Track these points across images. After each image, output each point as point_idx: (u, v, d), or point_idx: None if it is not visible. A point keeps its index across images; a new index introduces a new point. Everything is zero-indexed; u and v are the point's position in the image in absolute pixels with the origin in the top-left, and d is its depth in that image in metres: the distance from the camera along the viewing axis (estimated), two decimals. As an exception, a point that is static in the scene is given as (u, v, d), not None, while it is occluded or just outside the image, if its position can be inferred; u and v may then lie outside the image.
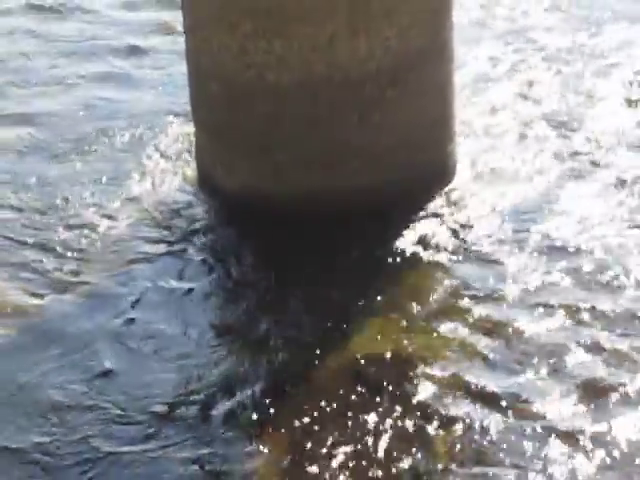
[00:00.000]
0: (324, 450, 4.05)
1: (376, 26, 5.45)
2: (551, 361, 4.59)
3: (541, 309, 4.92)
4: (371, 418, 4.22)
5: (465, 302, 5.00)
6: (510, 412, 4.28)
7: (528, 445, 4.08)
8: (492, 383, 4.44)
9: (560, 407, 4.26)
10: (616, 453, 4.12)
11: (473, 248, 5.43)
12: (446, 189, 5.84)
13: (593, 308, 4.87)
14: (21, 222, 5.84)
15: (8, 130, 6.86)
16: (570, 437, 4.13)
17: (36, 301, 5.14)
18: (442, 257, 5.38)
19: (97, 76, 7.56)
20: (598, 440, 4.22)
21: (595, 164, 6.18)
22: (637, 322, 4.81)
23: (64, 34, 8.44)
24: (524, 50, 7.73)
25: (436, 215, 5.66)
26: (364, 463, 4.04)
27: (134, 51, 7.84)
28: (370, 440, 4.14)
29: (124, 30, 8.27)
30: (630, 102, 6.97)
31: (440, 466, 4.01)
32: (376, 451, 4.09)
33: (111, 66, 7.72)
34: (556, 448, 4.05)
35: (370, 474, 3.98)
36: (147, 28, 8.28)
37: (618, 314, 4.84)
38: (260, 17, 5.38)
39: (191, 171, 6.13)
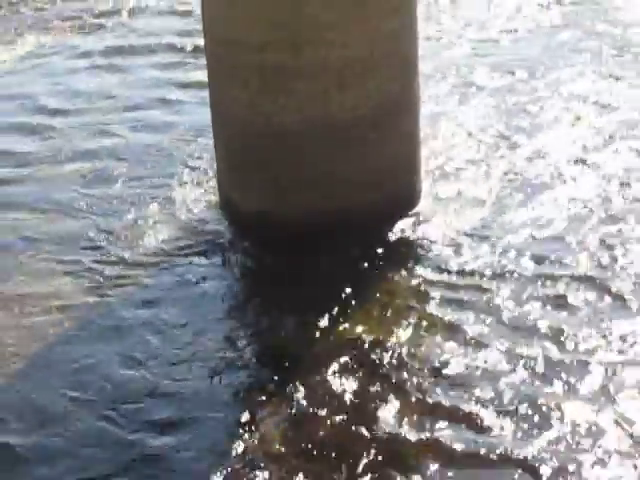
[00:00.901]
0: (319, 414, 4.26)
1: (360, 82, 5.61)
2: (507, 343, 4.71)
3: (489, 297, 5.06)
4: (357, 387, 4.43)
5: (428, 299, 5.12)
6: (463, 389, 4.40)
7: (493, 420, 4.17)
8: (451, 361, 4.58)
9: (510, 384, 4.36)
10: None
11: (431, 255, 5.51)
12: (413, 211, 5.93)
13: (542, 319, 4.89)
14: (79, 234, 5.92)
15: (69, 164, 6.85)
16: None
17: (87, 298, 5.32)
18: (409, 263, 5.45)
19: (136, 119, 7.58)
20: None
21: (544, 184, 6.19)
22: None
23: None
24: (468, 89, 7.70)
25: (404, 230, 5.74)
26: (352, 424, 4.21)
27: (169, 102, 7.85)
28: (352, 403, 4.33)
29: (164, 84, 8.28)
30: (571, 126, 6.91)
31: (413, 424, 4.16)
32: (357, 414, 4.27)
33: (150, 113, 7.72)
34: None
35: (359, 432, 4.12)
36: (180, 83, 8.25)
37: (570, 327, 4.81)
38: (266, 74, 5.58)
39: (214, 197, 6.25)
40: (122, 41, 9.42)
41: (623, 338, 4.72)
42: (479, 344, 4.74)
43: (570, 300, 5.02)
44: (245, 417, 4.36)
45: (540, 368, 4.54)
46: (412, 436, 4.13)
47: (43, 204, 6.39)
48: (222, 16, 5.85)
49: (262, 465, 4.05)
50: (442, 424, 4.18)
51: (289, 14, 5.48)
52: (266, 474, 3.98)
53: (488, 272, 5.33)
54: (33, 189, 6.59)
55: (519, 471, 3.86)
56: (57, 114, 7.75)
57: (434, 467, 3.91)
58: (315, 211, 5.68)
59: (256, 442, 4.18)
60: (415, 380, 4.51)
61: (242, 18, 5.65)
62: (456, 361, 4.62)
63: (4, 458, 4.17)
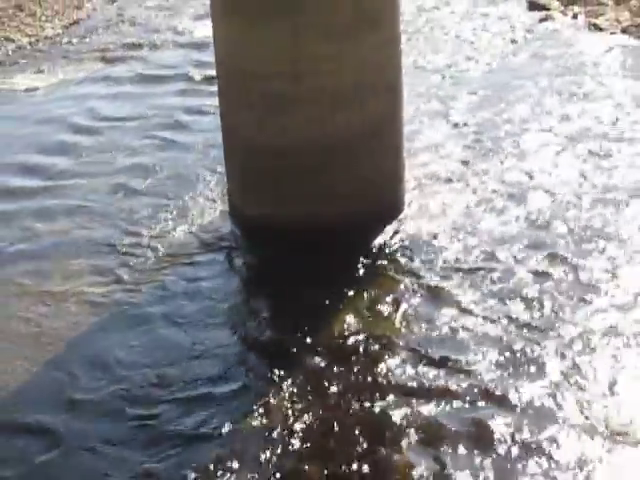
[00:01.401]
0: (319, 391, 4.31)
1: (352, 106, 5.59)
2: (479, 330, 4.72)
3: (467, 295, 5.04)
4: (351, 370, 4.46)
5: (411, 294, 5.11)
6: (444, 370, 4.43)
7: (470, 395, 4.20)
8: (434, 351, 4.57)
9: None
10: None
11: (414, 255, 5.48)
12: (398, 218, 5.92)
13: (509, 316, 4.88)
14: (108, 238, 5.91)
15: (99, 177, 6.84)
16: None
17: (116, 294, 5.33)
18: (395, 262, 5.46)
19: (156, 138, 7.55)
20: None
21: (510, 196, 6.13)
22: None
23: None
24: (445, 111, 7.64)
25: (390, 235, 5.73)
26: (345, 400, 4.27)
27: (184, 124, 7.84)
28: (346, 383, 4.36)
29: (180, 108, 8.23)
30: (528, 154, 6.76)
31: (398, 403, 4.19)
32: (349, 392, 4.30)
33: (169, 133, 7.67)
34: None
35: (353, 407, 4.19)
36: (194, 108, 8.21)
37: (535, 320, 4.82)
38: (271, 100, 5.57)
39: (224, 205, 6.22)
40: (144, 71, 9.38)
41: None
42: (454, 332, 4.74)
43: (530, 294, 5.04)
44: (255, 395, 4.40)
45: (510, 356, 4.53)
46: (398, 409, 4.15)
47: (77, 213, 6.38)
48: (233, 49, 5.84)
49: (270, 435, 4.07)
50: (422, 400, 4.20)
51: (291, 49, 5.47)
52: (272, 443, 4.00)
53: (462, 269, 5.32)
54: (68, 200, 6.56)
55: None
56: (88, 134, 7.72)
57: (416, 436, 3.95)
58: (312, 217, 5.67)
59: (265, 417, 4.20)
60: (399, 362, 4.52)
61: (250, 51, 5.64)
62: (434, 346, 4.63)
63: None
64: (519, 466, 3.73)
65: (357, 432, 4.04)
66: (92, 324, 5.12)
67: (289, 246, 5.59)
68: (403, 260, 5.53)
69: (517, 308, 4.92)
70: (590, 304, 4.89)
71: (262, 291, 5.49)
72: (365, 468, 3.78)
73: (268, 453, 3.96)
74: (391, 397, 4.26)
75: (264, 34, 5.52)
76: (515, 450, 3.81)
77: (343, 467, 3.84)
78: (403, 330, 4.84)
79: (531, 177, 6.53)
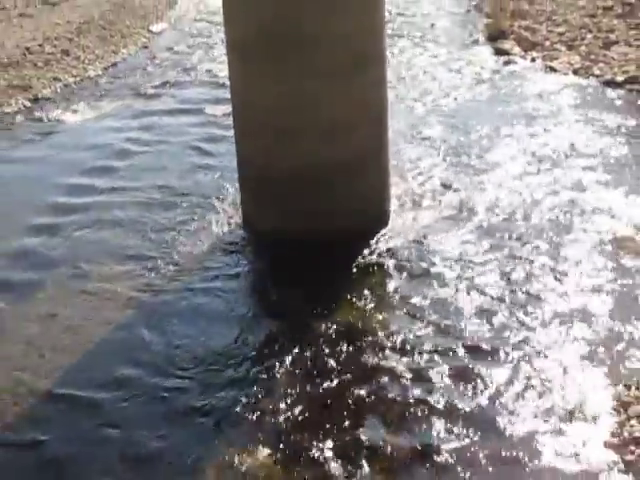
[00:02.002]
0: (318, 374, 4.38)
1: (345, 136, 5.60)
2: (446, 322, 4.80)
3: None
4: (347, 356, 4.53)
5: (397, 293, 5.18)
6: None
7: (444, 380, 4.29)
8: (411, 337, 4.68)
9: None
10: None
11: (398, 260, 5.50)
12: (384, 229, 5.92)
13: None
14: (139, 246, 5.94)
15: (132, 194, 6.84)
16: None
17: (144, 294, 5.36)
18: (383, 266, 5.47)
19: (181, 162, 7.52)
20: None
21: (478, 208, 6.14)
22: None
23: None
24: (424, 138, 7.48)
25: (378, 242, 5.73)
26: (340, 382, 4.32)
27: (204, 150, 7.81)
28: (341, 367, 4.43)
29: (201, 137, 8.17)
30: (506, 161, 6.79)
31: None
32: (344, 375, 4.36)
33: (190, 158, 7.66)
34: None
35: (346, 388, 4.27)
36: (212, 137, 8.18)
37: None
38: (276, 131, 5.60)
39: (239, 218, 6.20)
40: (171, 105, 9.38)
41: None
42: (438, 326, 4.76)
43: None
44: (264, 377, 4.44)
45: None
46: (387, 388, 4.24)
47: (111, 224, 6.37)
48: (244, 88, 5.87)
49: (277, 410, 4.12)
50: (404, 382, 4.26)
51: (292, 88, 5.48)
52: (280, 418, 4.06)
53: (440, 272, 5.32)
54: (104, 214, 6.55)
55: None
56: (122, 159, 7.70)
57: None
58: (313, 229, 5.66)
59: (272, 396, 4.23)
60: (386, 352, 4.54)
61: (258, 89, 5.67)
62: (414, 336, 4.68)
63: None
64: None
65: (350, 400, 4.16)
66: (124, 317, 5.15)
67: (292, 252, 5.60)
68: (389, 265, 5.51)
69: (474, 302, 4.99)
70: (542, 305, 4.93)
71: (269, 290, 5.47)
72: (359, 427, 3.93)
73: (274, 418, 4.06)
74: (377, 375, 4.33)
75: (269, 76, 5.54)
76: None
77: (340, 431, 3.93)
78: (387, 322, 4.89)
79: (497, 187, 6.58)
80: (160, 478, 3.76)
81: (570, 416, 3.91)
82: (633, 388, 4.03)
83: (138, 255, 5.84)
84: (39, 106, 9.51)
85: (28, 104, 9.55)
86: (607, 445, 3.69)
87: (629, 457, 3.58)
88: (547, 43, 10.62)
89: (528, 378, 4.24)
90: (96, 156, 7.82)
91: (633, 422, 3.78)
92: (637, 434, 3.69)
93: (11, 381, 4.48)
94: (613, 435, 3.75)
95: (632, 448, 3.63)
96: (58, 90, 10.10)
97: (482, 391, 4.18)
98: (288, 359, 4.57)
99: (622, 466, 3.55)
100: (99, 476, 3.78)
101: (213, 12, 13.66)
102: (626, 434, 3.72)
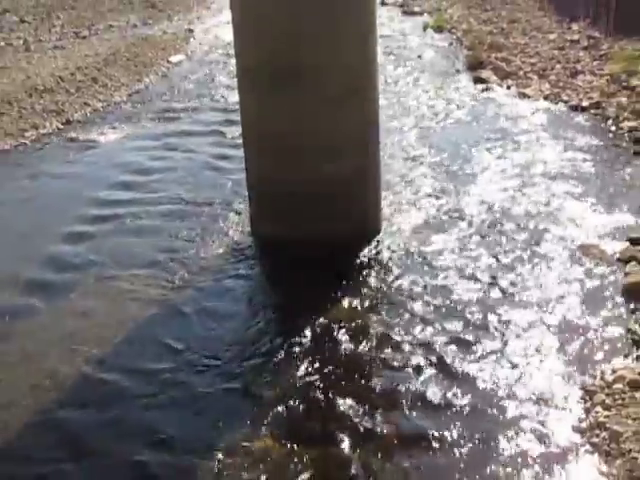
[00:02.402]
0: (314, 362, 4.37)
1: (342, 157, 5.58)
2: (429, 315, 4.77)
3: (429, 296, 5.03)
4: (340, 347, 4.52)
5: (386, 293, 5.16)
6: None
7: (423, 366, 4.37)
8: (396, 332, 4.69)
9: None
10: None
11: (388, 263, 5.50)
12: (377, 237, 5.90)
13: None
14: (159, 252, 5.91)
15: (155, 206, 6.85)
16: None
17: (162, 293, 5.35)
18: (375, 269, 5.47)
19: (197, 178, 7.49)
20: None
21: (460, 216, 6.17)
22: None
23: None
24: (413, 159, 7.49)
25: (372, 248, 5.73)
26: (333, 368, 4.34)
27: (218, 168, 7.80)
28: (334, 356, 4.44)
29: (214, 156, 8.18)
30: (487, 178, 6.68)
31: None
32: (336, 362, 4.37)
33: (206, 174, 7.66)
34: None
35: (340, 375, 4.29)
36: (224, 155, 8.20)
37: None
38: (281, 151, 5.60)
39: (248, 227, 6.18)
40: (188, 128, 9.39)
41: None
42: (423, 322, 4.73)
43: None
44: (269, 359, 4.48)
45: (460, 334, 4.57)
46: (375, 372, 4.26)
47: (134, 232, 6.39)
48: (252, 112, 5.84)
49: (280, 396, 4.10)
50: (391, 368, 4.29)
51: (294, 113, 5.48)
52: (285, 403, 4.04)
53: (426, 277, 5.30)
54: (128, 223, 6.57)
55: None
56: (144, 174, 7.72)
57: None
58: (313, 236, 5.61)
59: (277, 378, 4.26)
60: (374, 344, 4.54)
61: (265, 112, 5.65)
62: (401, 332, 4.66)
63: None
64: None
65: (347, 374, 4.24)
66: (147, 314, 5.14)
67: (295, 256, 5.57)
68: (380, 267, 5.53)
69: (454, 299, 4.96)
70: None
71: (274, 289, 5.53)
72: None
73: (278, 403, 4.03)
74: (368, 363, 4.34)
75: (274, 102, 5.54)
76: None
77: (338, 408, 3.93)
78: (378, 319, 4.86)
79: (477, 198, 6.60)
80: (179, 454, 3.76)
81: (542, 403, 3.91)
82: (598, 378, 4.03)
83: (158, 259, 5.83)
84: (71, 128, 9.55)
85: (61, 126, 9.60)
86: (575, 429, 3.69)
87: (595, 440, 3.58)
88: (521, 72, 10.66)
89: (502, 367, 4.24)
90: (121, 172, 7.84)
91: (598, 409, 3.77)
92: (601, 419, 3.68)
93: (49, 369, 4.48)
94: (580, 420, 3.75)
95: (597, 432, 3.62)
96: (88, 114, 10.14)
97: (460, 377, 4.19)
98: (291, 349, 4.56)
99: (589, 447, 3.56)
100: (126, 447, 3.80)
101: (224, 45, 13.77)
102: (592, 419, 3.72)
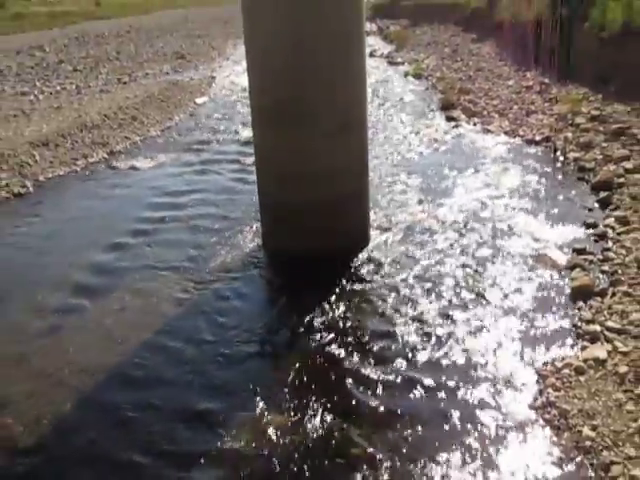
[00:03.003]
0: (312, 355, 4.31)
1: (338, 181, 5.54)
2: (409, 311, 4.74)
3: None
4: (332, 345, 4.43)
5: (377, 296, 5.08)
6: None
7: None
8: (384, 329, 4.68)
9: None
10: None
11: (377, 269, 5.44)
12: (366, 247, 5.85)
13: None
14: (183, 260, 5.86)
15: (183, 223, 6.82)
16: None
17: (184, 295, 5.30)
18: (365, 274, 5.39)
19: (218, 200, 7.43)
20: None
21: (434, 230, 6.13)
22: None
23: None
24: (396, 182, 7.60)
25: (363, 256, 5.68)
26: (331, 351, 4.32)
27: (233, 200, 7.74)
28: (331, 350, 4.36)
29: (232, 179, 8.21)
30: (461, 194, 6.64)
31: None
32: (332, 354, 4.29)
33: (225, 197, 7.63)
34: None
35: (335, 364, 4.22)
36: (240, 179, 8.20)
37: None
38: (287, 176, 5.57)
39: (259, 240, 6.11)
40: (210, 157, 9.44)
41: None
42: (402, 313, 4.71)
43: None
44: (275, 352, 4.46)
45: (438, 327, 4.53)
46: (368, 364, 4.17)
47: (160, 244, 6.34)
48: (263, 145, 5.84)
49: (288, 381, 4.07)
50: (381, 359, 4.21)
51: (298, 146, 5.47)
52: (286, 389, 4.00)
53: (407, 278, 5.28)
54: (161, 235, 6.55)
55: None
56: (173, 197, 7.71)
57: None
58: (313, 248, 5.58)
59: (280, 371, 4.19)
60: (366, 339, 4.49)
61: (274, 144, 5.66)
62: (385, 320, 4.67)
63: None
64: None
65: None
66: (174, 311, 5.10)
67: (299, 265, 5.54)
68: (369, 273, 5.47)
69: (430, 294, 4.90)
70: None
71: (280, 290, 5.45)
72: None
73: (286, 387, 4.00)
74: (360, 354, 4.26)
75: (280, 136, 5.55)
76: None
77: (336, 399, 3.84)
78: (370, 319, 4.81)
79: (448, 214, 6.59)
80: (208, 429, 3.72)
81: (503, 385, 3.88)
82: (549, 365, 4.02)
83: (184, 266, 5.80)
84: (114, 157, 9.59)
85: (106, 156, 9.64)
86: (530, 407, 3.68)
87: (547, 416, 3.58)
88: (485, 112, 10.73)
89: (469, 355, 4.21)
90: (154, 194, 7.86)
91: (549, 390, 3.76)
92: (552, 399, 3.68)
93: (94, 355, 4.47)
94: (535, 400, 3.74)
95: (549, 409, 3.62)
96: (128, 146, 10.19)
97: (433, 363, 4.15)
98: (295, 337, 4.55)
99: (542, 422, 3.55)
100: (160, 423, 3.77)
101: (241, 90, 13.87)
102: (544, 399, 3.71)
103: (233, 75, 16.92)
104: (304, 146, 5.45)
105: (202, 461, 3.45)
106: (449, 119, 10.62)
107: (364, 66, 5.81)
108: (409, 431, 3.58)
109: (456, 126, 10.17)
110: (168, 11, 51.46)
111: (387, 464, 3.35)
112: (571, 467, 3.22)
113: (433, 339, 4.42)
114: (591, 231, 5.90)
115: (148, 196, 7.80)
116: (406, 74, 15.67)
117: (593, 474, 3.15)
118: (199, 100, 13.81)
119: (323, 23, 5.15)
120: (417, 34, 23.42)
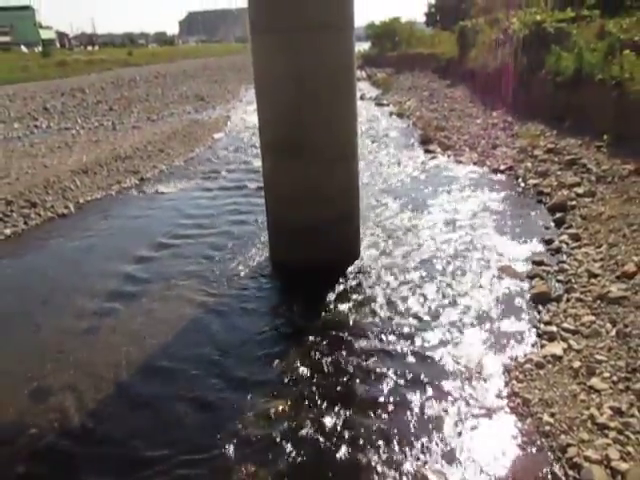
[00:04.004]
0: (316, 351, 4.28)
1: (334, 204, 5.55)
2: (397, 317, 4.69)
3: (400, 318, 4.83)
4: (332, 336, 4.44)
5: (369, 302, 5.01)
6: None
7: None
8: (375, 330, 4.61)
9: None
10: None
11: (366, 278, 5.41)
12: (357, 261, 5.82)
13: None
14: (200, 272, 5.82)
15: (201, 239, 6.79)
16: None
17: (203, 300, 5.23)
18: (357, 283, 5.35)
19: (230, 220, 7.45)
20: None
21: (414, 246, 6.06)
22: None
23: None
24: (382, 206, 7.51)
25: (355, 269, 5.63)
26: (330, 350, 4.25)
27: (244, 221, 7.78)
28: (330, 342, 4.35)
29: (243, 202, 8.18)
30: (444, 225, 6.63)
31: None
32: (330, 355, 4.24)
33: (237, 216, 7.63)
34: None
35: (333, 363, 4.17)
36: (250, 202, 8.18)
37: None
38: (291, 200, 5.58)
39: (267, 254, 6.09)
40: (225, 184, 9.44)
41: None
42: (387, 318, 4.68)
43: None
44: (280, 349, 4.37)
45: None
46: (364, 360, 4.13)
47: (179, 257, 6.29)
48: (270, 173, 5.84)
49: (289, 376, 4.01)
50: (374, 357, 4.17)
51: (302, 174, 5.47)
52: (289, 384, 3.95)
53: (391, 284, 5.26)
54: (175, 251, 6.51)
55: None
56: (192, 218, 7.66)
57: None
58: (313, 262, 5.56)
59: (284, 367, 4.14)
60: (362, 342, 4.44)
61: (280, 173, 5.66)
62: (374, 323, 4.61)
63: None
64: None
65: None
66: (194, 314, 5.05)
67: (300, 276, 5.53)
68: (360, 280, 5.44)
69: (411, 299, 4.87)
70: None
71: (285, 298, 5.40)
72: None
73: (289, 381, 3.94)
74: (355, 353, 4.22)
75: (284, 166, 5.57)
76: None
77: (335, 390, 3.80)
78: (367, 323, 4.75)
79: (425, 231, 6.57)
80: (218, 418, 3.67)
81: (474, 378, 3.86)
82: (513, 360, 4.00)
83: (201, 276, 5.75)
84: (144, 183, 9.58)
85: (137, 182, 9.64)
86: (497, 396, 3.65)
87: (511, 404, 3.56)
88: (457, 146, 10.79)
89: (442, 352, 4.18)
90: (178, 215, 7.84)
91: (514, 382, 3.75)
92: (516, 389, 3.66)
93: (124, 355, 4.43)
94: (501, 390, 3.72)
95: (514, 398, 3.60)
96: (156, 174, 10.20)
97: (413, 361, 4.12)
98: (299, 337, 4.49)
99: (507, 410, 3.52)
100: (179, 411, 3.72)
101: (252, 127, 13.93)
102: (509, 389, 3.69)
103: (245, 114, 17.01)
104: (305, 174, 5.46)
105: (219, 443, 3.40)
106: (427, 152, 10.66)
107: (356, 106, 5.86)
108: (392, 416, 3.56)
109: (433, 157, 10.21)
110: (190, 60, 51.80)
111: (370, 447, 3.32)
112: (533, 449, 3.20)
113: (412, 337, 4.39)
114: (548, 246, 5.89)
115: (172, 216, 7.78)
116: (391, 114, 15.79)
117: (552, 455, 3.13)
118: (216, 135, 13.87)
119: (321, 70, 5.19)
120: (400, 80, 23.66)
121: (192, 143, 12.72)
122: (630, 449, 3.05)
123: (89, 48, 68.63)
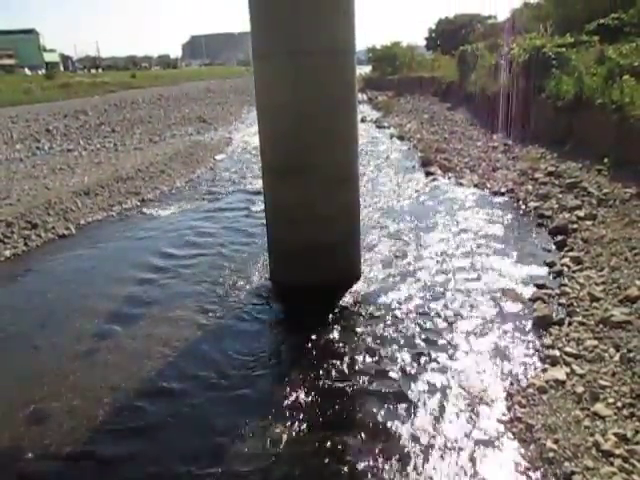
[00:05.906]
0: (317, 362, 4.28)
1: (333, 225, 5.58)
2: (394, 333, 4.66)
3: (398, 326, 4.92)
4: (332, 354, 4.38)
5: (367, 318, 5.04)
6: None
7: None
8: (372, 337, 4.57)
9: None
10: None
11: (367, 296, 5.38)
12: (358, 281, 5.81)
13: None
14: (199, 291, 5.82)
15: (204, 258, 6.78)
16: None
17: (206, 317, 5.25)
18: (358, 301, 5.35)
19: (232, 239, 7.43)
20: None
21: (415, 267, 6.02)
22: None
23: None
24: (381, 228, 7.59)
25: (356, 288, 5.64)
26: (329, 368, 4.22)
27: (246, 232, 7.84)
28: (329, 360, 4.29)
29: (244, 223, 8.20)
30: (438, 240, 6.63)
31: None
32: (333, 370, 4.19)
33: (236, 237, 7.64)
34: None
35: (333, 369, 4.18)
36: (251, 223, 8.20)
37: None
38: (293, 218, 5.57)
39: (267, 274, 6.09)
40: (226, 205, 9.48)
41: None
42: (388, 337, 4.65)
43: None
44: (276, 375, 4.34)
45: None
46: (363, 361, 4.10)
47: (182, 276, 6.32)
48: (271, 192, 5.87)
49: (288, 393, 3.99)
50: (374, 360, 4.15)
51: (303, 192, 5.49)
52: (297, 385, 3.99)
53: (393, 305, 5.24)
54: (182, 270, 6.50)
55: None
56: (195, 236, 7.73)
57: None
58: (314, 282, 5.59)
59: (284, 389, 4.10)
60: (357, 354, 4.43)
61: (280, 194, 5.69)
62: (374, 341, 4.58)
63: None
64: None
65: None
66: (193, 335, 5.03)
67: (300, 295, 5.54)
68: (361, 300, 5.44)
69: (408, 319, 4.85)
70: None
71: (285, 317, 5.40)
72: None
73: (286, 399, 3.90)
74: (351, 362, 4.18)
75: (286, 188, 5.60)
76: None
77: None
78: (359, 329, 4.82)
79: (426, 252, 6.58)
80: (218, 440, 3.63)
81: (477, 402, 3.83)
82: (516, 384, 3.96)
83: (202, 297, 5.75)
84: (145, 204, 9.64)
85: (138, 203, 9.70)
86: (499, 421, 3.62)
87: (514, 430, 3.51)
88: (457, 168, 10.87)
89: (446, 374, 4.16)
90: (179, 235, 7.87)
91: (516, 407, 3.71)
92: (519, 415, 3.62)
93: (123, 377, 4.39)
94: (503, 415, 3.67)
95: (516, 424, 3.56)
96: (157, 195, 10.27)
97: (412, 381, 4.09)
98: (299, 356, 4.50)
99: (510, 435, 3.48)
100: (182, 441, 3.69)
101: (253, 149, 14.06)
102: (512, 415, 3.65)
103: (247, 136, 17.17)
104: (306, 197, 5.50)
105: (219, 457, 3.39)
106: (427, 174, 10.72)
107: (357, 130, 5.93)
108: (392, 441, 3.52)
109: (433, 179, 10.27)
110: (193, 83, 52.44)
111: (370, 473, 3.28)
112: (537, 475, 3.14)
113: (412, 360, 4.36)
114: (550, 269, 5.89)
115: (173, 237, 7.80)
116: (392, 136, 15.92)
117: (556, 482, 3.09)
118: (218, 157, 13.97)
119: (322, 93, 5.27)
120: (401, 103, 23.93)
121: (194, 164, 12.81)
122: (636, 478, 3.00)
123: (93, 71, 69.58)
